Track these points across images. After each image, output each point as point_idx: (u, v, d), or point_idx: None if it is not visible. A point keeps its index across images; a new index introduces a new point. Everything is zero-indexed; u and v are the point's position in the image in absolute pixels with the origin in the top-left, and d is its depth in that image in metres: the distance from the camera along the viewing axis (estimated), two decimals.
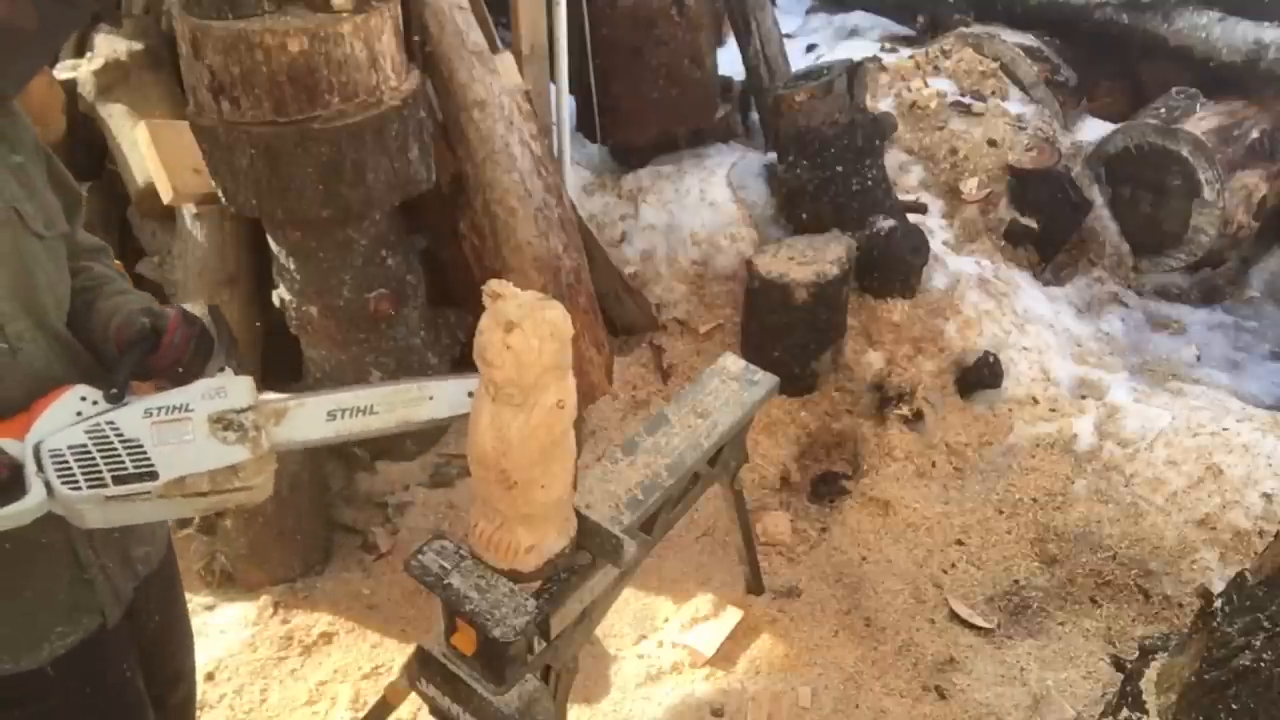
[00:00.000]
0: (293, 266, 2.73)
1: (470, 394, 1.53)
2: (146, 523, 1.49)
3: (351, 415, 1.45)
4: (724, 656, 2.58)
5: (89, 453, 1.22)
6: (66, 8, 1.26)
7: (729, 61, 4.58)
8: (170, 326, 1.34)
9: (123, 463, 1.24)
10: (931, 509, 3.08)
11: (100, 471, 1.23)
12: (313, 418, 1.41)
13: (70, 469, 1.21)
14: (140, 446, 1.25)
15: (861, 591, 2.80)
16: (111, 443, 1.23)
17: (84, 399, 1.25)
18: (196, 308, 1.43)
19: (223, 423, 1.30)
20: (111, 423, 1.24)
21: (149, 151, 2.76)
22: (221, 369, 1.35)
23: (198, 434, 1.28)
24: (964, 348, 3.48)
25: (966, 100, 4.26)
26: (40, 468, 1.20)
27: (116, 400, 1.26)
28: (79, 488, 1.22)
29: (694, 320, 3.70)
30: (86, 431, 1.23)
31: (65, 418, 1.23)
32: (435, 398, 1.52)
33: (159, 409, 1.27)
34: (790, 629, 2.66)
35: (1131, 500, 2.99)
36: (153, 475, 1.25)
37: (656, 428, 2.18)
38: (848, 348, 3.50)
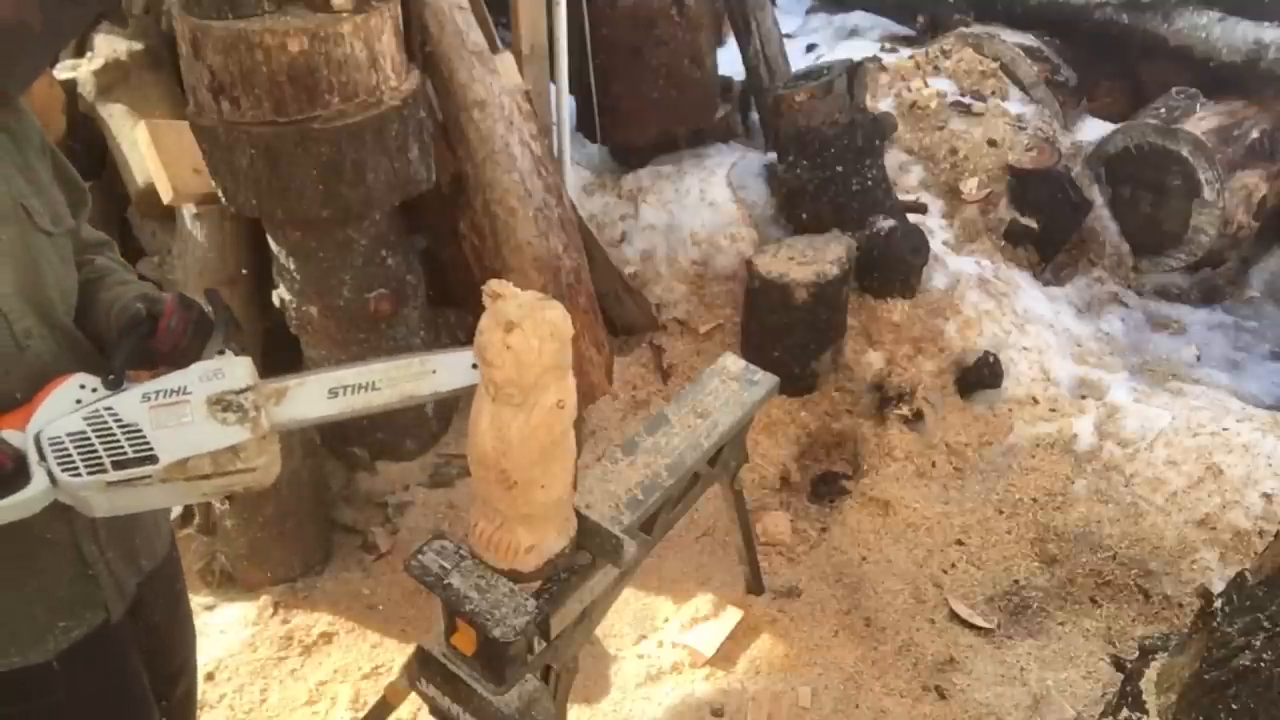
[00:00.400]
0: (293, 266, 2.73)
1: (474, 365, 1.51)
2: (151, 515, 1.50)
3: (354, 392, 1.43)
4: (724, 656, 2.58)
5: (88, 439, 1.22)
6: (72, 7, 1.26)
7: (729, 61, 4.58)
8: (166, 311, 1.35)
9: (122, 447, 1.24)
10: (931, 509, 3.07)
11: (100, 457, 1.23)
12: (314, 396, 1.41)
13: (70, 456, 1.21)
14: (139, 430, 1.25)
15: (861, 591, 2.80)
16: (110, 428, 1.24)
17: (83, 387, 1.25)
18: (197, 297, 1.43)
19: (221, 404, 1.29)
20: (109, 408, 1.24)
21: (149, 151, 2.76)
22: (220, 351, 1.34)
23: (196, 416, 1.28)
24: (964, 348, 3.48)
25: (966, 100, 4.26)
26: (42, 456, 1.21)
27: (115, 386, 1.26)
28: (79, 474, 1.22)
29: (694, 320, 3.70)
30: (85, 418, 1.23)
31: (65, 406, 1.23)
32: (438, 371, 1.51)
33: (156, 393, 1.27)
34: (790, 629, 2.66)
35: (1131, 500, 2.99)
36: (153, 459, 1.25)
37: (656, 428, 2.18)
38: (848, 348, 3.50)
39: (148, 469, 1.25)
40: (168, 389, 1.28)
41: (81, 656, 1.37)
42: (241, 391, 1.31)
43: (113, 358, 1.29)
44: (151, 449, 1.25)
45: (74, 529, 1.33)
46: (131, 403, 1.26)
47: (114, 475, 1.24)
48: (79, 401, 1.24)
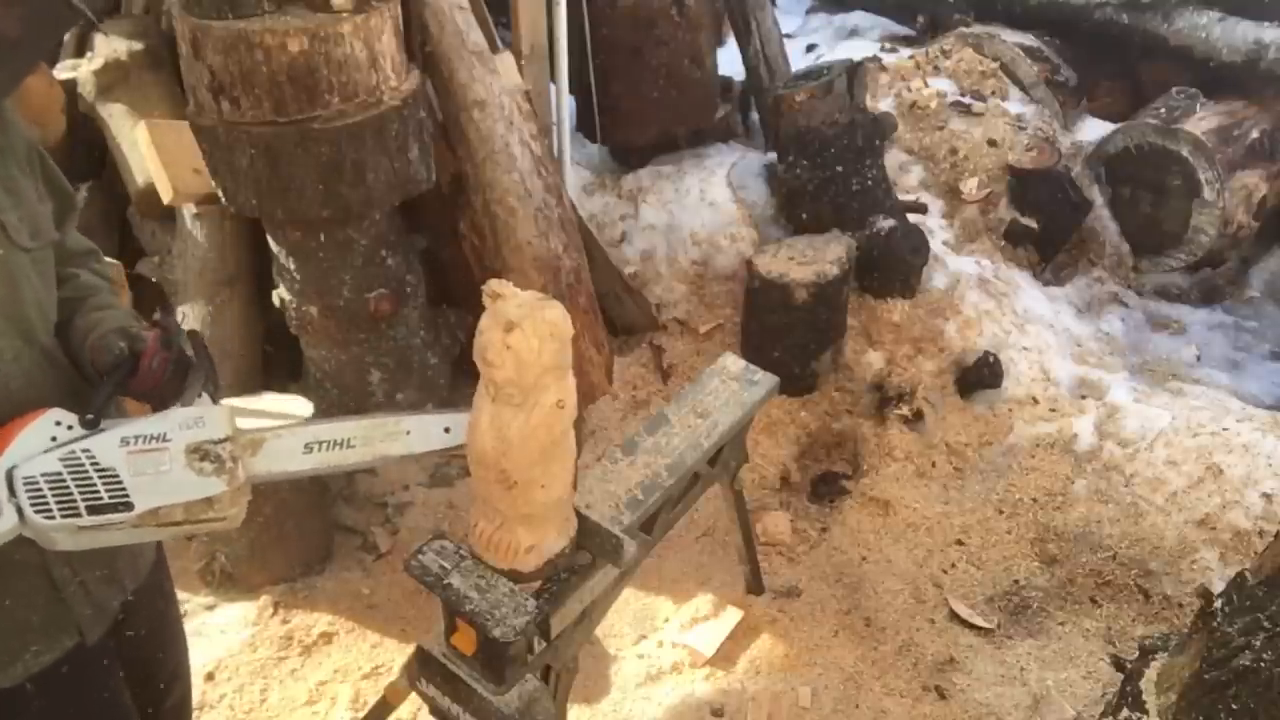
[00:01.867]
0: (293, 266, 2.73)
1: (447, 429, 1.52)
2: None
3: (329, 448, 1.42)
4: (724, 656, 2.58)
5: (63, 481, 1.20)
6: (49, 14, 1.24)
7: (729, 61, 4.58)
8: (149, 351, 1.32)
9: (98, 493, 1.21)
10: (931, 509, 3.07)
11: (75, 501, 1.20)
12: (290, 450, 1.39)
13: (44, 497, 1.19)
14: (116, 476, 1.22)
15: (861, 591, 2.80)
16: (87, 472, 1.21)
17: (59, 424, 1.22)
18: (182, 323, 1.39)
19: (200, 453, 1.27)
20: (87, 450, 1.21)
21: (149, 151, 2.76)
22: (200, 395, 1.32)
23: (174, 465, 1.26)
24: (964, 348, 3.48)
25: (966, 100, 4.26)
26: (13, 493, 1.18)
27: (92, 426, 1.23)
28: (52, 516, 1.19)
29: (694, 320, 3.70)
30: (61, 459, 1.20)
31: (40, 443, 1.20)
32: (411, 432, 1.50)
33: (136, 438, 1.24)
34: (790, 629, 2.66)
35: (1131, 500, 2.99)
36: (128, 506, 1.23)
37: (656, 428, 2.18)
38: (848, 348, 3.50)
39: (121, 516, 1.23)
40: (147, 434, 1.25)
41: (56, 679, 1.34)
42: (220, 442, 1.29)
43: (93, 398, 1.26)
44: (127, 496, 1.23)
45: (44, 553, 1.28)
46: (110, 446, 1.23)
47: (87, 520, 1.21)
48: (54, 439, 1.21)
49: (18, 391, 1.24)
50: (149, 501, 1.24)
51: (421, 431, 1.51)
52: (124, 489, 1.23)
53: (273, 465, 1.38)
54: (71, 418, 1.23)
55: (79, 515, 1.21)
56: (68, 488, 1.20)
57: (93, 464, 1.21)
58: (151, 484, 1.24)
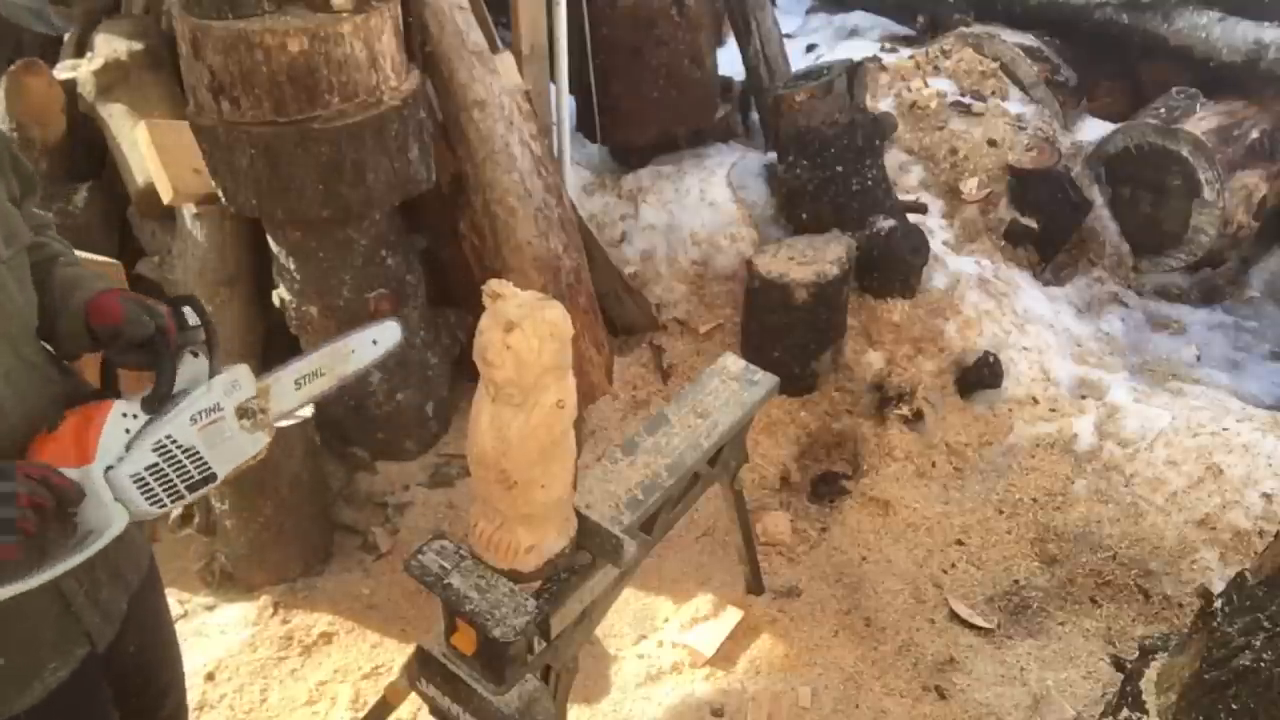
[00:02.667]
0: (293, 266, 2.73)
1: (375, 341, 1.62)
2: (130, 530, 1.46)
3: (310, 380, 1.53)
4: (724, 656, 2.58)
5: (162, 471, 1.26)
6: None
7: (729, 61, 4.58)
8: (170, 328, 1.33)
9: (189, 473, 1.30)
10: (931, 509, 3.07)
11: (176, 485, 1.28)
12: (287, 389, 1.49)
13: (153, 490, 1.25)
14: (199, 453, 1.31)
15: (861, 591, 2.80)
16: (177, 457, 1.28)
17: (125, 414, 1.26)
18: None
19: (242, 412, 1.36)
20: (170, 436, 1.28)
21: (149, 151, 2.76)
22: (198, 354, 1.38)
23: (232, 429, 1.35)
24: (964, 348, 3.48)
25: (966, 100, 4.26)
26: (115, 493, 1.22)
27: (154, 410, 1.28)
28: (164, 505, 1.26)
29: (694, 320, 3.70)
30: (154, 450, 1.26)
31: (119, 437, 1.25)
32: (355, 350, 1.61)
33: (200, 413, 1.31)
34: (790, 629, 2.66)
35: (1131, 500, 2.99)
36: (214, 477, 1.32)
37: (656, 428, 2.18)
38: (848, 348, 3.50)
39: (209, 488, 1.32)
40: (206, 408, 1.32)
41: (59, 699, 1.31)
42: (254, 398, 1.38)
43: (158, 385, 1.29)
44: (211, 468, 1.32)
45: None
46: (184, 426, 1.29)
47: (189, 498, 1.30)
48: (127, 431, 1.25)
49: (12, 411, 1.21)
50: (226, 468, 1.35)
51: (360, 348, 1.63)
52: (207, 463, 1.32)
53: (281, 406, 1.48)
54: (133, 406, 1.27)
55: (183, 497, 1.29)
56: (167, 476, 1.27)
57: (179, 448, 1.28)
58: (223, 452, 1.34)
